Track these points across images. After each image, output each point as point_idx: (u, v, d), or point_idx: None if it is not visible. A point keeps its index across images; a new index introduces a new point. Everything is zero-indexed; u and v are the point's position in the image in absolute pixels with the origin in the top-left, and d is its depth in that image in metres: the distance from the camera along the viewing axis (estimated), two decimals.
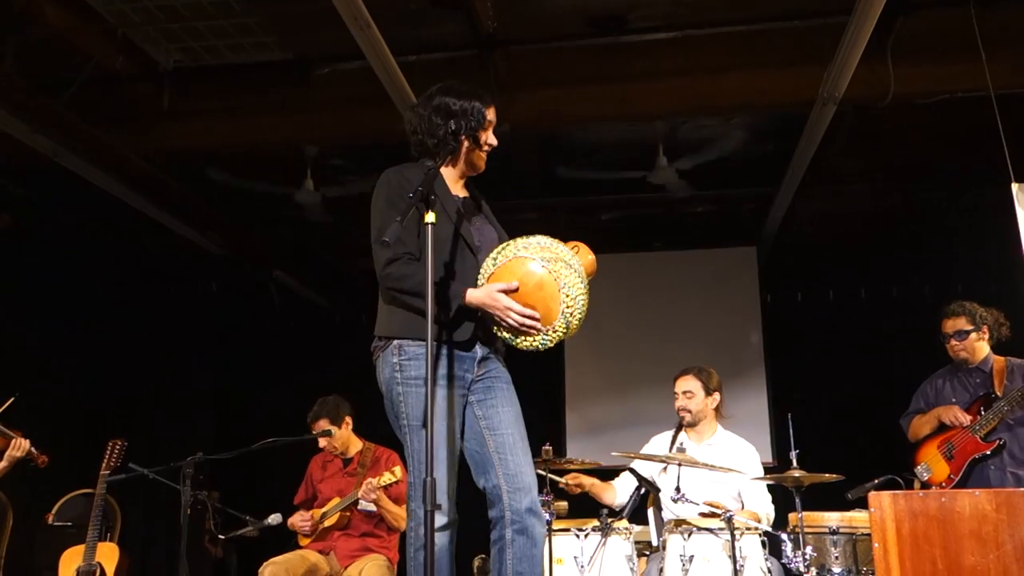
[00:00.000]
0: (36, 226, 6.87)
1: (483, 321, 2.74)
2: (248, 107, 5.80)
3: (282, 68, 5.60)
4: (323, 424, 4.61)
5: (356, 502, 4.41)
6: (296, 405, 5.07)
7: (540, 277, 2.60)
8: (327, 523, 4.51)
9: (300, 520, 4.56)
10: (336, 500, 4.54)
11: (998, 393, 4.19)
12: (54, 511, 5.29)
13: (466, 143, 2.84)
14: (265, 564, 4.14)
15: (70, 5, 4.91)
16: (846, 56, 4.58)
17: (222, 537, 4.55)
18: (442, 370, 2.73)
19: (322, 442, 4.64)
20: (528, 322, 2.62)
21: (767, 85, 5.28)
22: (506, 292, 2.60)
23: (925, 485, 4.19)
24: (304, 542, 4.57)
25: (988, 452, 4.10)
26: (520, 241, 2.70)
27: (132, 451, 4.72)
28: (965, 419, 4.19)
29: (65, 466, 6.24)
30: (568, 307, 2.61)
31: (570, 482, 4.22)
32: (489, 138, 2.90)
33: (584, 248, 2.80)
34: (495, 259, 2.68)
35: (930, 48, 5.04)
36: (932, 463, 4.23)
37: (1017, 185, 4.68)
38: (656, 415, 5.36)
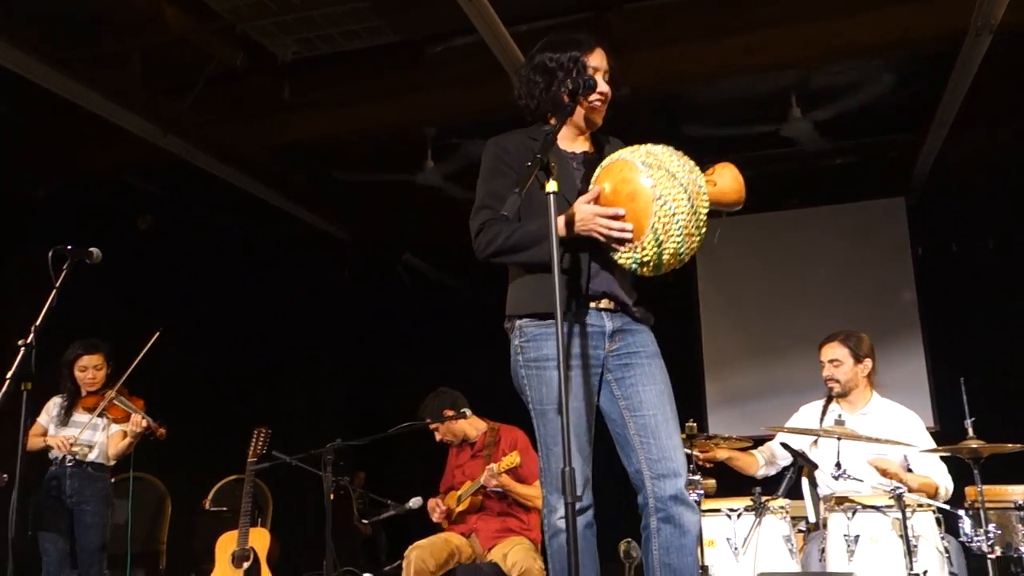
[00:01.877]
0: (173, 224, 7.11)
1: (612, 291, 2.55)
2: (365, 93, 5.81)
3: (396, 51, 5.56)
4: (433, 425, 4.55)
5: (483, 486, 4.34)
6: (430, 387, 5.05)
7: (633, 183, 2.31)
8: (461, 507, 4.46)
9: (433, 504, 4.52)
10: (467, 484, 4.48)
11: None
12: (210, 497, 5.49)
13: (568, 99, 2.55)
14: (411, 548, 4.12)
15: (188, 7, 4.98)
16: None
17: (365, 522, 4.59)
18: (571, 348, 2.55)
19: (437, 435, 4.57)
20: (615, 225, 2.32)
21: (910, 19, 4.85)
22: (595, 200, 2.37)
23: None
24: (446, 524, 4.54)
25: None
26: (632, 147, 2.44)
27: (277, 437, 4.81)
28: None
29: (217, 453, 6.50)
30: (662, 222, 2.27)
31: (702, 455, 3.98)
32: (600, 86, 2.61)
33: (726, 169, 2.42)
34: (602, 165, 2.47)
35: None
36: None
37: None
38: (802, 383, 5.04)
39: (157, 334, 4.43)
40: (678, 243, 2.30)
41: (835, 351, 4.03)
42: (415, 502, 4.36)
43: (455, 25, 4.86)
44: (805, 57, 5.25)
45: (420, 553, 4.08)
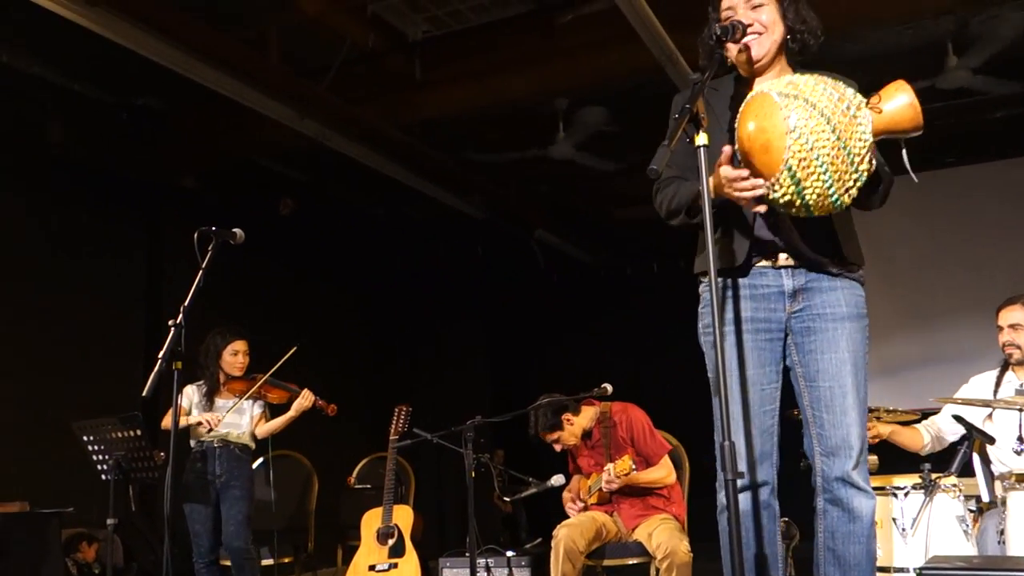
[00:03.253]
0: (314, 207, 7.29)
1: (791, 244, 2.31)
2: (496, 67, 5.77)
3: (525, 21, 5.50)
4: (547, 437, 4.40)
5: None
6: (567, 361, 5.01)
7: (768, 119, 2.05)
8: (592, 500, 4.33)
9: (569, 504, 4.38)
10: (595, 476, 4.33)
11: None
12: (354, 474, 5.60)
13: (719, 48, 2.31)
14: (559, 527, 4.05)
15: None
16: None
17: (506, 499, 4.56)
18: (742, 312, 2.34)
19: (556, 447, 4.41)
20: (745, 186, 2.09)
21: None
22: (730, 162, 2.13)
23: None
24: (590, 500, 4.45)
25: None
26: (780, 78, 2.20)
27: (416, 414, 4.84)
28: None
29: (359, 430, 6.65)
30: (797, 157, 2.01)
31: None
32: (733, 19, 2.32)
33: (896, 91, 2.09)
34: (745, 100, 2.20)
35: None
36: None
37: None
38: (968, 352, 4.71)
39: (293, 350, 4.49)
40: (825, 181, 2.03)
41: (1018, 314, 3.70)
42: (557, 480, 4.27)
43: None
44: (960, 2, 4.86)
45: (569, 532, 4.01)
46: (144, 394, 2.86)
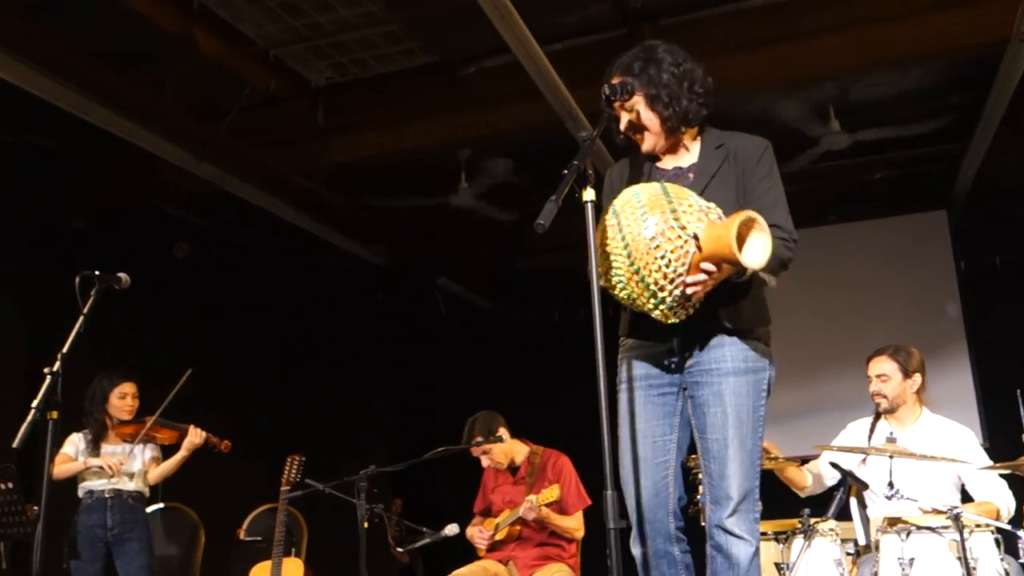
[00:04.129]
0: (210, 252, 7.16)
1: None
2: (399, 116, 5.82)
3: (429, 72, 5.57)
4: (480, 449, 4.45)
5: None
6: (471, 410, 5.00)
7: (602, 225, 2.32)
8: (499, 536, 4.37)
9: (477, 535, 4.42)
10: (507, 513, 4.38)
11: None
12: (244, 526, 5.45)
13: (608, 107, 2.49)
14: (451, 575, 4.04)
15: (220, 33, 5.02)
16: None
17: (400, 550, 4.52)
18: (636, 370, 2.50)
19: (484, 461, 4.47)
20: None
21: (951, 27, 4.75)
22: None
23: None
24: (482, 552, 4.46)
25: None
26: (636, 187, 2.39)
27: (316, 463, 4.76)
28: None
29: (254, 480, 6.48)
30: (604, 267, 2.29)
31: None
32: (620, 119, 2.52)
33: (710, 227, 2.21)
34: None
35: None
36: None
37: None
38: (847, 401, 4.92)
39: (189, 372, 4.39)
40: (627, 293, 2.28)
41: (883, 365, 3.90)
42: (451, 529, 4.27)
43: (489, 45, 4.86)
44: (844, 68, 5.17)
45: None
46: (14, 444, 2.71)
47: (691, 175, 2.52)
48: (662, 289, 2.21)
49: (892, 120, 6.00)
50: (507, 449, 4.44)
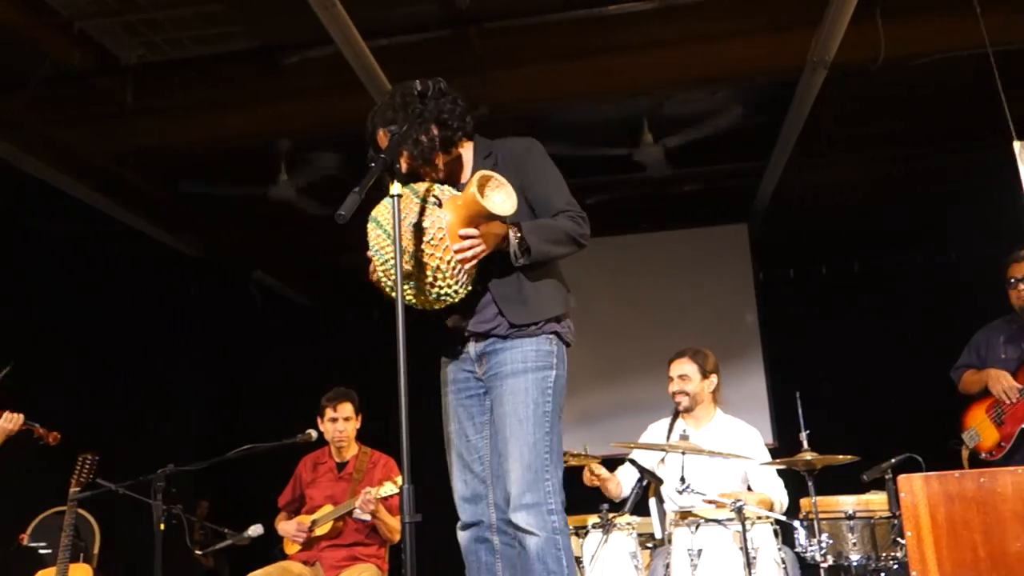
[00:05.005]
0: (3, 233, 6.61)
1: (469, 317, 2.61)
2: (217, 101, 5.61)
3: (250, 58, 5.39)
4: (347, 408, 4.39)
5: (351, 512, 4.17)
6: (285, 408, 4.88)
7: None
8: (317, 532, 4.28)
9: (295, 530, 4.29)
10: (328, 508, 4.29)
11: None
12: (28, 531, 5.05)
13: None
14: None
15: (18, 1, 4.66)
16: (835, 16, 4.40)
17: (199, 553, 4.34)
18: (449, 375, 2.72)
19: (336, 428, 4.38)
20: None
21: (754, 52, 5.09)
22: None
23: (973, 453, 3.92)
24: (290, 551, 4.35)
25: None
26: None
27: (116, 464, 4.49)
28: (1014, 393, 3.88)
29: (43, 481, 6.02)
30: (382, 269, 2.45)
31: (593, 472, 4.01)
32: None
33: (476, 182, 2.37)
34: None
35: (921, 6, 4.86)
36: (981, 428, 3.96)
37: (1019, 143, 4.50)
38: (651, 402, 5.14)
39: (7, 369, 4.04)
40: (408, 289, 2.41)
41: (683, 366, 4.15)
42: (255, 530, 4.13)
43: (312, 35, 4.75)
44: (658, 84, 5.42)
45: None
46: None
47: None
48: (432, 257, 2.35)
49: (701, 136, 6.33)
50: (353, 435, 4.44)
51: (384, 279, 2.43)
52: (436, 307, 2.48)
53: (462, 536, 2.66)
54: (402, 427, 1.95)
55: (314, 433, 4.25)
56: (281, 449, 4.23)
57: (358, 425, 4.46)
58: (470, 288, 2.49)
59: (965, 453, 4.00)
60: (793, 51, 4.92)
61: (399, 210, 2.11)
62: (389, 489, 4.02)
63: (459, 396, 2.69)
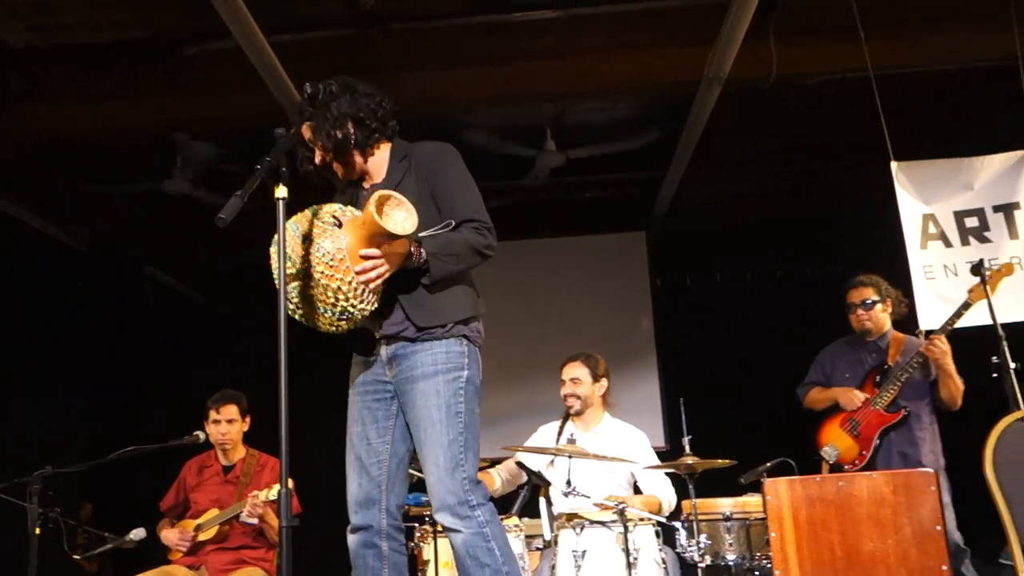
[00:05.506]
0: None
1: (379, 322, 2.62)
2: (110, 90, 5.41)
3: (146, 48, 5.23)
4: (231, 411, 4.30)
5: (238, 515, 4.10)
6: (174, 408, 4.76)
7: None
8: (202, 536, 4.19)
9: (178, 539, 4.19)
10: (214, 512, 4.21)
11: (890, 364, 4.19)
12: None
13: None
14: None
15: None
16: (730, 35, 4.55)
17: (76, 557, 4.19)
18: (357, 378, 2.72)
19: (219, 431, 4.28)
20: None
21: (654, 65, 5.21)
22: None
23: (835, 467, 4.12)
24: (174, 556, 4.24)
25: (895, 422, 4.05)
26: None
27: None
28: (861, 399, 4.17)
29: None
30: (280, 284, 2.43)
31: None
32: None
33: (375, 201, 2.39)
34: None
35: (811, 28, 5.06)
36: (838, 442, 4.17)
37: (896, 164, 4.75)
38: (545, 404, 5.21)
39: None
40: (299, 307, 2.45)
41: (575, 370, 4.24)
42: (136, 533, 4.03)
43: (211, 27, 4.64)
44: (559, 93, 5.49)
45: None
46: None
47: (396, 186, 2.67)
48: (332, 279, 2.36)
49: (603, 144, 6.45)
50: (240, 437, 4.38)
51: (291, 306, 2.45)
52: (343, 326, 2.49)
53: (351, 539, 2.65)
54: (281, 432, 1.94)
55: (202, 435, 4.17)
56: (170, 450, 4.13)
57: (245, 428, 4.38)
58: (376, 305, 2.50)
59: (825, 469, 4.19)
60: (690, 66, 5.06)
61: (284, 215, 2.10)
62: (276, 493, 3.96)
63: (365, 398, 2.68)
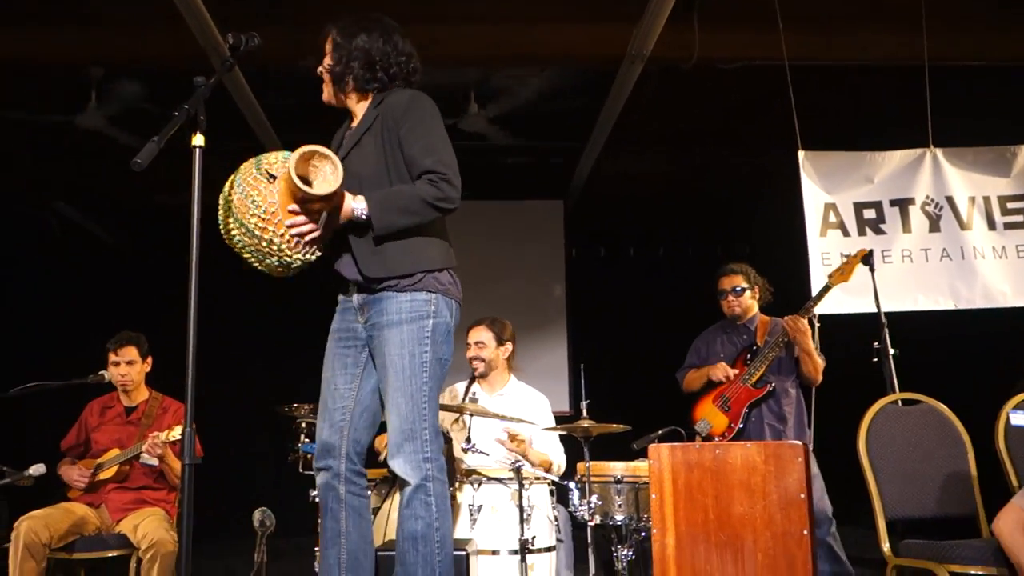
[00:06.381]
0: None
1: (348, 268, 2.66)
2: (19, 18, 5.20)
3: None
4: (130, 352, 4.27)
5: (138, 455, 4.11)
6: (74, 347, 4.67)
7: None
8: (102, 476, 4.19)
9: (77, 475, 4.19)
10: (115, 452, 4.22)
11: (759, 344, 4.45)
12: None
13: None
14: (21, 519, 3.79)
15: None
16: (654, 14, 4.65)
17: None
18: (334, 323, 2.79)
19: (119, 372, 4.25)
20: None
21: (579, 38, 5.29)
22: None
23: (707, 439, 4.37)
24: (73, 494, 4.24)
25: (761, 396, 4.32)
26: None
27: None
28: (732, 373, 4.41)
29: None
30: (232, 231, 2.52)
31: None
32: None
33: (296, 158, 2.43)
34: None
35: (734, 15, 5.21)
36: (711, 417, 4.43)
37: (803, 153, 4.96)
38: (455, 365, 5.30)
39: None
40: (251, 256, 2.51)
41: (480, 334, 4.36)
42: (36, 469, 4.00)
43: None
44: (483, 58, 5.53)
45: (32, 524, 3.79)
46: None
47: (372, 124, 2.74)
48: (265, 231, 2.41)
49: (525, 111, 6.52)
50: (142, 379, 4.38)
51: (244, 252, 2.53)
52: (287, 272, 2.56)
53: (318, 476, 2.74)
54: (188, 372, 1.99)
55: (107, 375, 4.15)
56: (71, 389, 4.10)
57: (147, 369, 4.38)
58: (317, 254, 2.55)
59: (698, 441, 4.45)
60: (614, 42, 5.16)
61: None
62: (177, 434, 3.98)
63: (338, 345, 2.75)
